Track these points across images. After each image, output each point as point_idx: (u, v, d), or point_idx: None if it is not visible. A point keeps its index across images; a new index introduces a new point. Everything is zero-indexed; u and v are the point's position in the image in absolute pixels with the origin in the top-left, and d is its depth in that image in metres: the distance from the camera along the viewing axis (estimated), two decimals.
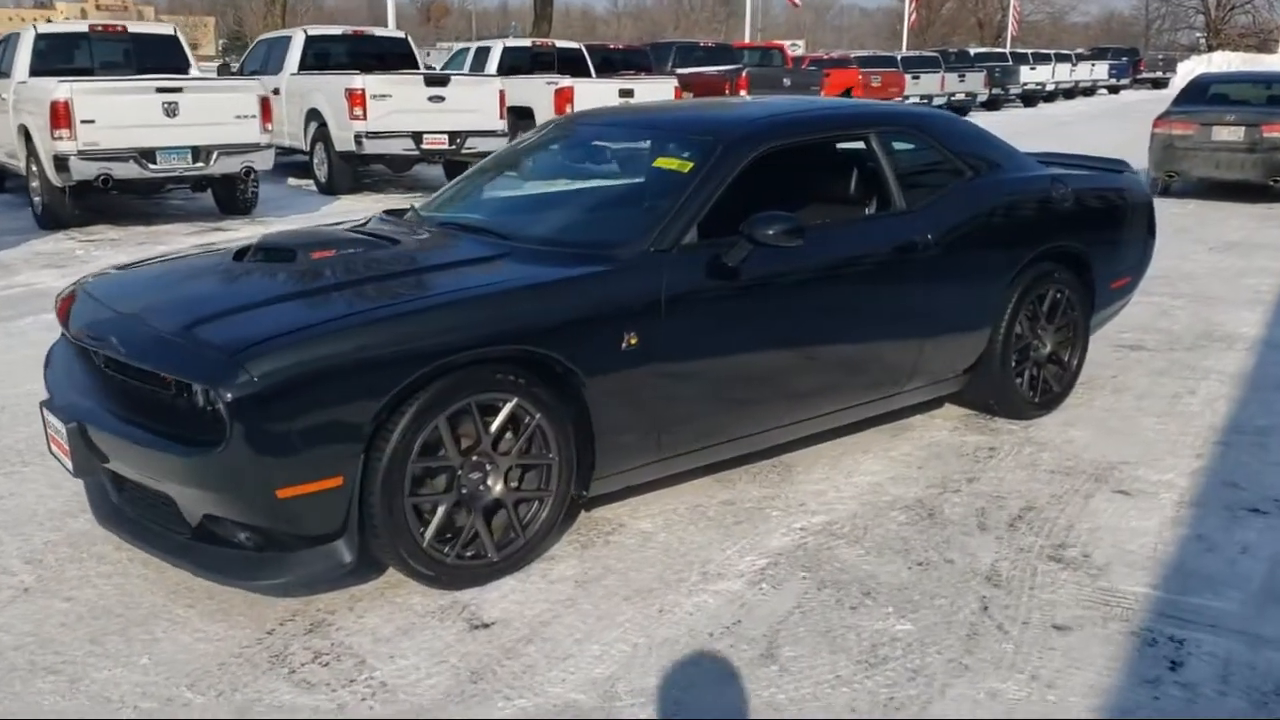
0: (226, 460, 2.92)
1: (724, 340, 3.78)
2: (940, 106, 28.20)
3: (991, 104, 31.68)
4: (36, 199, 10.19)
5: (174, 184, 10.07)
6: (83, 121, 9.21)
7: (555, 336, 3.35)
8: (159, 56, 11.12)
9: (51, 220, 10.04)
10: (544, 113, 13.81)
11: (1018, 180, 4.81)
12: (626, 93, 14.05)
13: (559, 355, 3.35)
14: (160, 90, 9.58)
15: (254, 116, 10.01)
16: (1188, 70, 42.52)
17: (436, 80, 12.07)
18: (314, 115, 12.33)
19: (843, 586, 3.42)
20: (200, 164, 9.86)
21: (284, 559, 3.10)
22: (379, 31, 14.21)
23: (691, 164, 3.96)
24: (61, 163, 9.30)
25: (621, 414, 3.57)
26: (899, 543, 3.73)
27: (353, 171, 12.17)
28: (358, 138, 11.62)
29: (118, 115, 9.38)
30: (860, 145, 4.48)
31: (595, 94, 13.75)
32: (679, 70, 20.43)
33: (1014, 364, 4.87)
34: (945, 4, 67.21)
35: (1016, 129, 23.77)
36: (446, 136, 12.00)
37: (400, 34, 14.01)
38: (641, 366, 3.55)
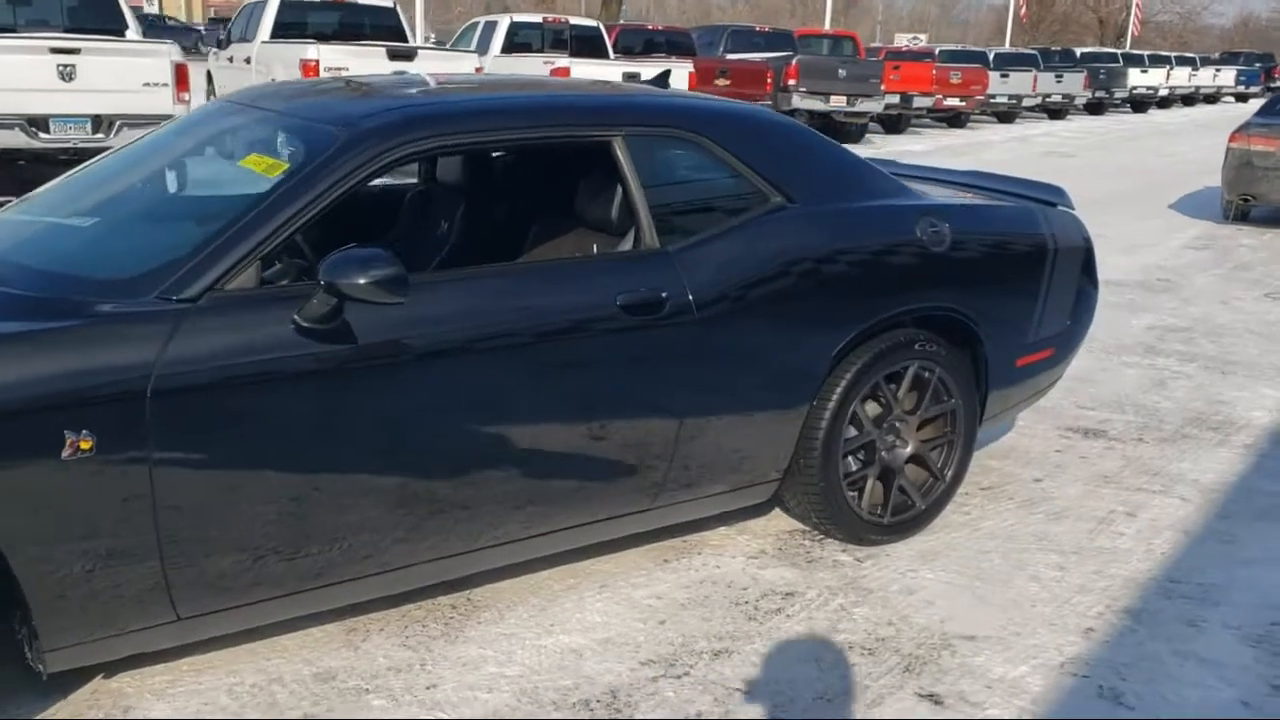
0: None
1: (293, 444, 2.48)
2: (1031, 108, 26.12)
3: (1095, 108, 29.38)
4: None
5: (71, 156, 9.06)
6: None
7: None
8: (96, 17, 10.15)
9: None
10: None
11: (859, 214, 3.38)
12: (630, 76, 12.69)
13: None
14: (55, 50, 8.57)
15: (165, 84, 8.95)
16: None
17: (402, 54, 10.88)
18: None
19: None
20: (100, 135, 8.83)
21: None
22: (364, 0, 13.08)
23: (286, 165, 2.67)
24: None
25: (74, 561, 2.30)
26: None
27: None
28: None
29: (3, 77, 8.40)
30: (603, 152, 3.10)
31: (595, 76, 12.42)
32: (728, 56, 19.01)
33: (847, 470, 3.47)
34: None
35: (1097, 136, 21.79)
36: None
37: (389, 4, 12.86)
38: (104, 485, 2.28)
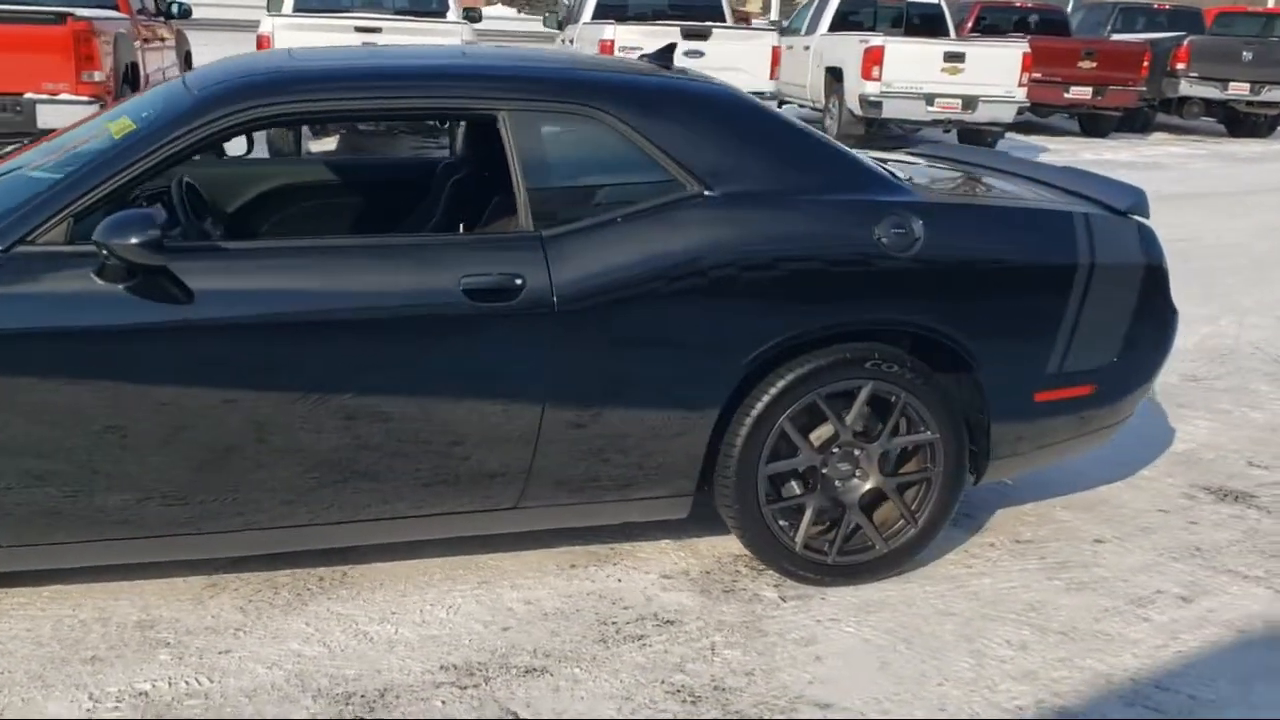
0: None
1: (88, 396, 2.59)
2: None
3: None
4: None
5: None
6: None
7: None
8: (425, 1, 11.07)
9: None
10: (853, 75, 12.08)
11: (791, 208, 2.95)
12: (954, 56, 11.87)
13: None
14: (358, 30, 9.43)
15: None
16: None
17: (695, 33, 10.89)
18: None
19: None
20: None
21: None
22: None
23: (134, 126, 2.78)
24: None
25: None
26: None
27: None
28: None
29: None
30: (492, 126, 2.94)
31: (909, 56, 11.75)
32: (1113, 36, 17.28)
33: (787, 494, 3.09)
34: None
35: None
36: None
37: None
38: None
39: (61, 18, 8.12)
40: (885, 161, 3.58)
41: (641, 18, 12.31)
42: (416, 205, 3.96)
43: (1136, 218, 3.27)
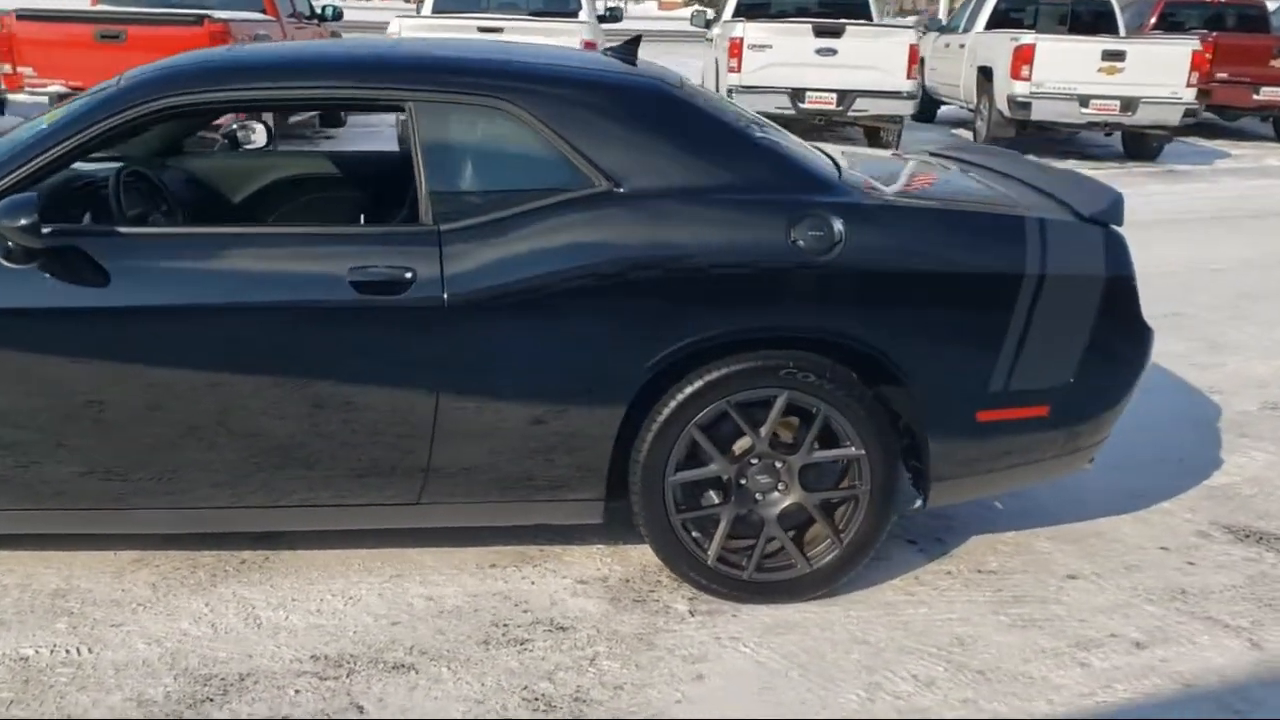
0: None
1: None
2: None
3: None
4: None
5: None
6: None
7: None
8: (558, 3, 11.21)
9: None
10: (1002, 74, 11.52)
11: (703, 206, 2.81)
12: (1113, 55, 11.13)
13: None
14: (481, 30, 9.61)
15: None
16: None
17: (827, 30, 10.60)
18: None
19: None
20: None
21: None
22: None
23: (60, 115, 2.91)
24: None
25: None
26: None
27: None
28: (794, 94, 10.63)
29: None
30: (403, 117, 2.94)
31: (1063, 55, 11.09)
32: None
33: (707, 503, 2.96)
34: None
35: None
36: (835, 95, 10.58)
37: None
38: None
39: (199, 20, 8.63)
40: (850, 158, 3.38)
41: (782, 15, 12.12)
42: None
43: (1108, 225, 2.97)
